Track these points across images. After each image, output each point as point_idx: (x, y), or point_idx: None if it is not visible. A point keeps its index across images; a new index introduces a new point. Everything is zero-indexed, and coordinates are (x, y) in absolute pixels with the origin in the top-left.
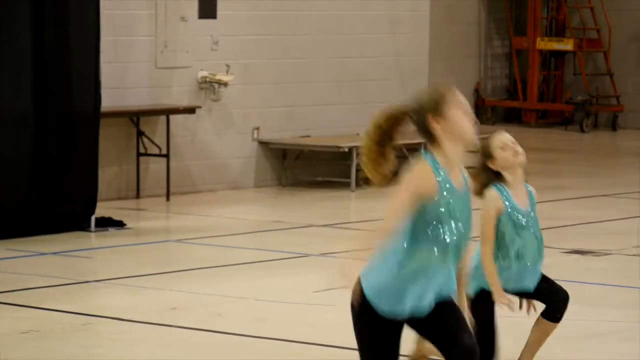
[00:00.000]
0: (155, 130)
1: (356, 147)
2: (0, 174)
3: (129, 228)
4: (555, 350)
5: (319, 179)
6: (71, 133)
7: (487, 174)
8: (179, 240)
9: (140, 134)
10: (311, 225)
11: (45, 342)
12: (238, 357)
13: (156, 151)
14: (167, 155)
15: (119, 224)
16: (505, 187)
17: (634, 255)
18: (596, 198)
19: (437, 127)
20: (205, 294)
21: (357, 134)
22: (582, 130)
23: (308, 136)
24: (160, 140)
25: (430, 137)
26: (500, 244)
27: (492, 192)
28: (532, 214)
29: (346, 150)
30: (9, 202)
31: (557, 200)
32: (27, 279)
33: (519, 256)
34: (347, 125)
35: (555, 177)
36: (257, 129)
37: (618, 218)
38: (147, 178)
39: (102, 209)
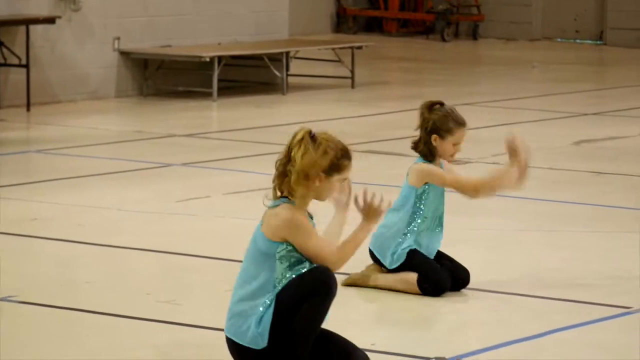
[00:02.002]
0: (15, 40)
1: (218, 56)
2: None
3: None
4: None
5: (181, 88)
6: None
7: (426, 146)
8: (39, 151)
9: None
10: (173, 135)
11: None
12: (100, 267)
13: (16, 61)
14: (26, 66)
15: None
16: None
17: (492, 163)
18: (456, 107)
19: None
20: (67, 205)
21: (219, 44)
22: (443, 40)
23: (169, 46)
24: (20, 50)
25: None
26: (428, 208)
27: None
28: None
29: (208, 60)
30: None
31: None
32: None
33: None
34: (209, 35)
35: (416, 86)
36: (118, 39)
37: (478, 127)
38: (6, 88)
39: None
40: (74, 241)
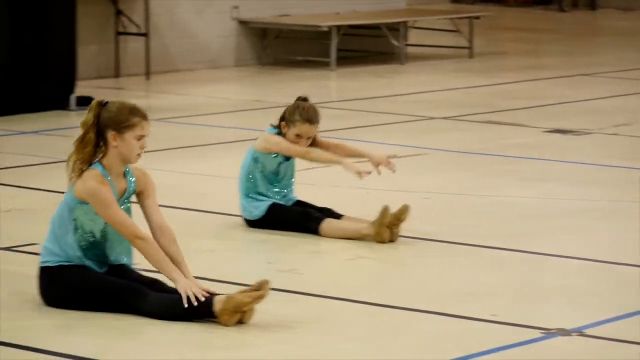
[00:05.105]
0: (134, 8)
1: (336, 26)
2: None
3: None
4: (531, 226)
5: (299, 58)
6: (48, 10)
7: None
8: (158, 120)
9: (118, 12)
10: None
11: (26, 220)
12: (223, 234)
13: (135, 30)
14: (146, 34)
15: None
16: None
17: (612, 134)
18: (575, 77)
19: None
20: (188, 173)
21: (337, 13)
22: (562, 10)
23: (287, 15)
24: (139, 19)
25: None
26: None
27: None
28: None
29: (326, 29)
30: None
31: (537, 79)
32: (6, 157)
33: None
34: (327, 4)
35: (535, 57)
36: (237, 7)
37: (597, 97)
38: (126, 57)
39: (82, 88)
40: (198, 210)
